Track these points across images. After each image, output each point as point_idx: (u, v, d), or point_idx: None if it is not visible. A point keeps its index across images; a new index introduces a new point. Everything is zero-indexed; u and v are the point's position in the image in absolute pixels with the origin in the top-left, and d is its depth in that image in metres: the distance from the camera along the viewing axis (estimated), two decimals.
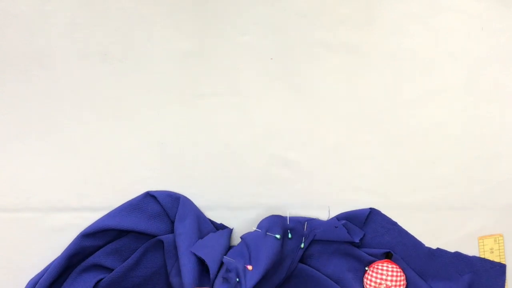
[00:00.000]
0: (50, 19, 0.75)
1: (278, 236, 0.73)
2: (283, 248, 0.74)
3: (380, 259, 0.77)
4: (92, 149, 0.78)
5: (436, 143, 0.79)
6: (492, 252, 0.79)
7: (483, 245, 0.79)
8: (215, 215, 0.79)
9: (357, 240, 0.76)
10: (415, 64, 0.78)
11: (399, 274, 0.76)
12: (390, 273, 0.75)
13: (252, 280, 0.70)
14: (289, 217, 0.77)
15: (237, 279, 0.69)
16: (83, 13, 0.75)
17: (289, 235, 0.75)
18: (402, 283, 0.76)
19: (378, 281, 0.75)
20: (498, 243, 0.79)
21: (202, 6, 0.76)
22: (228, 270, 0.71)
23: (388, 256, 0.78)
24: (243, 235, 0.75)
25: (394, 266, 0.76)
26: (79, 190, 0.78)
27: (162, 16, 0.76)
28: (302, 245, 0.75)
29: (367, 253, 0.77)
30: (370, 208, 0.79)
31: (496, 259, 0.79)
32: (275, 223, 0.75)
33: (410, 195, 0.79)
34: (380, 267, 0.76)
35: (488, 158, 0.79)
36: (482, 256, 0.79)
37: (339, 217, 0.78)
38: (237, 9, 0.76)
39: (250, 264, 0.71)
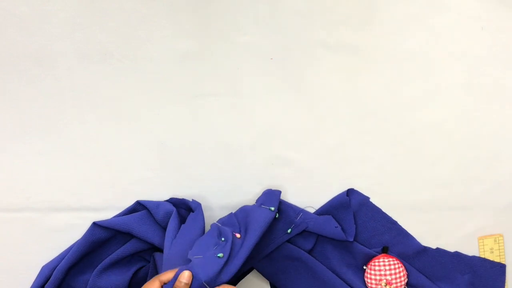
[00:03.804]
0: (50, 19, 0.75)
1: (272, 208, 0.73)
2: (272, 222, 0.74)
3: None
4: (92, 149, 0.78)
5: (436, 143, 0.79)
6: (492, 252, 0.79)
7: (483, 245, 0.79)
8: (215, 215, 0.79)
9: (351, 239, 0.77)
10: (415, 64, 0.78)
11: (397, 266, 0.76)
12: (388, 267, 0.75)
13: (245, 247, 0.69)
14: (286, 202, 0.77)
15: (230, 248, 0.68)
16: (83, 13, 0.75)
17: (276, 215, 0.75)
18: (402, 274, 0.76)
19: (378, 277, 0.75)
20: (498, 243, 0.79)
21: (202, 6, 0.76)
22: (220, 238, 0.70)
23: (384, 250, 0.78)
24: (237, 210, 0.76)
25: (391, 259, 0.76)
26: (79, 190, 0.78)
27: (162, 16, 0.76)
28: (289, 231, 0.76)
29: (366, 253, 0.77)
30: (348, 189, 0.79)
31: (496, 259, 0.79)
32: (270, 198, 0.76)
33: (410, 195, 0.80)
34: (377, 263, 0.76)
35: (488, 158, 0.79)
36: (482, 256, 0.79)
37: (321, 211, 0.79)
38: (237, 9, 0.76)
39: (239, 232, 0.71)
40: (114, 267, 0.75)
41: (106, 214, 0.77)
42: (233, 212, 0.76)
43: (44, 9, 0.74)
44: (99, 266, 0.74)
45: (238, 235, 0.71)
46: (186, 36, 0.76)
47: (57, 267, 0.73)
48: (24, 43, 0.75)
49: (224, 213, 0.78)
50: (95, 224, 0.74)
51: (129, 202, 0.78)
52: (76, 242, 0.75)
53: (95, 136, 0.77)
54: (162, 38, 0.76)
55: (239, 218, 0.74)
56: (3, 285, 0.77)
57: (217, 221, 0.75)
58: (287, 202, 0.78)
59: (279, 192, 0.77)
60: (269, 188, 0.79)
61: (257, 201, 0.77)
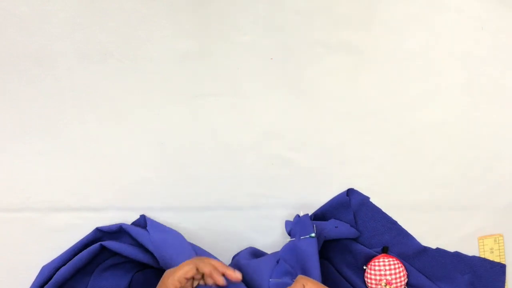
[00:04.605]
0: (50, 19, 0.75)
1: (313, 234, 0.71)
2: None
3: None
4: (92, 149, 0.78)
5: (436, 143, 0.79)
6: (492, 252, 0.79)
7: (483, 245, 0.79)
8: (215, 215, 0.79)
9: (358, 234, 0.77)
10: (415, 64, 0.78)
11: (397, 266, 0.76)
12: (388, 267, 0.76)
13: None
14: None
15: None
16: (83, 13, 0.75)
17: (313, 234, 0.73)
18: (402, 274, 0.76)
19: (378, 277, 0.75)
20: (498, 243, 0.79)
21: (202, 6, 0.76)
22: None
23: (384, 250, 0.78)
24: (280, 253, 0.73)
25: (391, 259, 0.76)
26: (79, 190, 0.78)
27: (162, 16, 0.76)
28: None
29: (366, 253, 0.77)
30: (348, 189, 0.79)
31: (496, 259, 0.79)
32: (304, 225, 0.73)
33: (410, 195, 0.80)
34: (377, 263, 0.76)
35: (488, 158, 0.79)
36: (482, 256, 0.79)
37: (321, 211, 0.79)
38: (237, 9, 0.76)
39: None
40: (114, 268, 0.75)
41: (106, 214, 0.77)
42: (280, 257, 0.72)
43: (44, 9, 0.74)
44: (99, 266, 0.74)
45: None
46: (186, 36, 0.76)
47: (59, 272, 0.72)
48: (24, 43, 0.75)
49: (223, 213, 0.79)
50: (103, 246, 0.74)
51: (129, 202, 0.78)
52: (80, 254, 0.74)
53: (95, 136, 0.77)
54: (162, 38, 0.76)
55: (290, 262, 0.71)
56: (3, 285, 0.77)
57: (271, 278, 0.69)
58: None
59: (307, 215, 0.77)
60: (271, 188, 0.79)
61: (291, 234, 0.74)
